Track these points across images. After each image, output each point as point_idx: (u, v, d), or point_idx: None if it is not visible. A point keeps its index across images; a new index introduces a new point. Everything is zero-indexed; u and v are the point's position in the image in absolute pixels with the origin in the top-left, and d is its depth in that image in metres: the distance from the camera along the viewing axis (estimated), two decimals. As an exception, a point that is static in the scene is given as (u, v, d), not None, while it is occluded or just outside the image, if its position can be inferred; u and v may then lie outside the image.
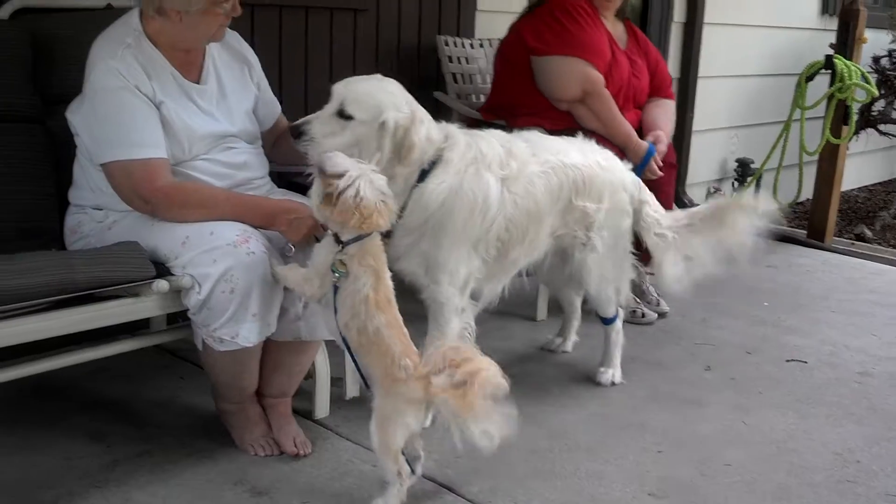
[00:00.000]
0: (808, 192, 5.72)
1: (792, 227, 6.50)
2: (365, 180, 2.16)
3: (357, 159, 2.27)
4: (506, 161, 2.75)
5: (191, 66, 2.50)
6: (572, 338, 3.51)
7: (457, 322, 2.74)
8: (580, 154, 2.98)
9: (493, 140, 2.79)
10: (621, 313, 3.28)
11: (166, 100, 2.39)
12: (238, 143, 2.57)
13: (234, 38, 2.65)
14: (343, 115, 2.55)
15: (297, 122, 2.57)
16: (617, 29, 3.89)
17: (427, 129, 2.62)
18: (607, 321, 3.24)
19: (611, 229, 3.06)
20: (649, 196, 3.19)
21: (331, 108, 2.56)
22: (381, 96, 2.57)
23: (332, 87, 2.59)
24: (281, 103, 2.85)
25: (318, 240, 2.41)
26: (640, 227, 3.16)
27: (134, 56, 2.36)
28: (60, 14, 2.85)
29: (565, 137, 3.11)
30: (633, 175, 3.16)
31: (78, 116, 2.42)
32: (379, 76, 2.66)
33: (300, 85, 3.81)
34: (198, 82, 2.51)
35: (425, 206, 2.61)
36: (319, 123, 2.55)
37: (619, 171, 3.09)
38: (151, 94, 2.36)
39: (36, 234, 2.54)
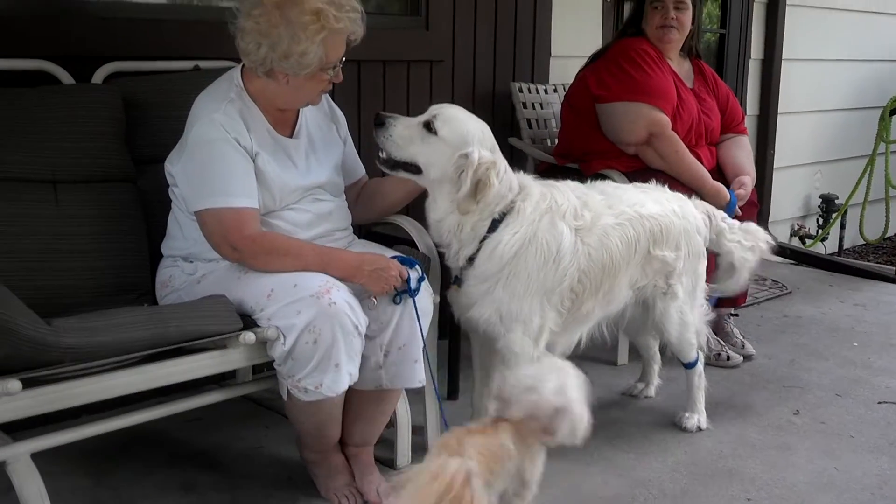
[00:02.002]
0: (895, 228, 5.57)
1: (880, 263, 6.33)
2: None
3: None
4: (580, 212, 2.74)
5: (285, 123, 2.60)
6: (655, 382, 3.47)
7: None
8: (656, 204, 2.97)
9: (567, 191, 2.79)
10: (702, 356, 3.23)
11: (262, 152, 2.48)
12: (324, 194, 2.65)
13: (324, 98, 2.73)
14: (430, 127, 2.59)
15: (385, 113, 2.63)
16: (683, 68, 3.90)
17: (507, 177, 2.65)
18: (689, 365, 3.20)
19: (689, 275, 3.04)
20: (725, 223, 3.16)
21: (421, 117, 2.62)
22: (473, 130, 2.61)
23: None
24: (360, 156, 2.91)
25: (396, 291, 2.46)
26: (723, 251, 3.16)
27: (237, 110, 2.47)
28: (150, 76, 2.98)
29: (640, 185, 3.11)
30: (703, 212, 3.13)
31: (177, 167, 2.52)
32: (477, 117, 2.70)
33: (378, 136, 3.89)
34: (290, 137, 2.61)
35: (500, 256, 2.62)
36: (403, 125, 2.60)
37: (693, 216, 3.07)
38: (250, 146, 2.46)
39: (129, 289, 2.63)
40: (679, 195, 3.13)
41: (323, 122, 2.73)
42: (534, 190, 2.71)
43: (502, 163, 2.65)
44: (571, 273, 2.70)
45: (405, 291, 2.48)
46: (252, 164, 2.46)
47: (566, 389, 2.13)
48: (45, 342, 1.96)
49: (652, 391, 3.45)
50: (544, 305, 2.69)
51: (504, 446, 2.10)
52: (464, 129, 2.60)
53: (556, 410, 2.09)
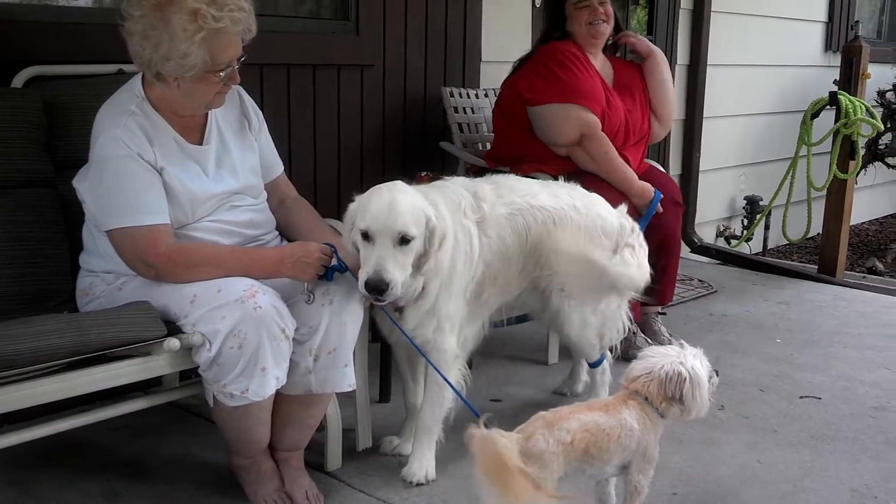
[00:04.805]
0: (817, 228, 5.73)
1: (803, 262, 6.51)
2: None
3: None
4: (476, 205, 2.78)
5: (192, 129, 2.54)
6: (582, 378, 3.48)
7: (455, 370, 2.77)
8: (551, 197, 2.98)
9: (457, 187, 2.81)
10: (608, 354, 3.25)
11: (168, 166, 2.43)
12: (242, 199, 2.61)
13: (234, 95, 2.67)
14: (405, 240, 2.48)
15: (373, 278, 2.42)
16: (606, 67, 3.97)
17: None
18: (593, 365, 3.22)
19: None
20: (637, 242, 3.20)
21: (389, 243, 2.46)
22: (420, 203, 2.54)
23: (370, 220, 2.46)
24: (290, 160, 2.88)
25: (326, 269, 2.44)
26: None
27: (137, 123, 2.41)
28: (72, 80, 2.93)
29: (541, 181, 3.14)
30: (620, 221, 3.13)
31: (85, 184, 2.48)
32: (389, 186, 2.56)
33: (309, 141, 3.87)
34: (200, 144, 2.55)
35: (439, 271, 2.63)
36: (394, 265, 2.44)
37: (600, 217, 3.05)
38: (153, 160, 2.41)
39: (49, 296, 2.59)
40: (592, 194, 3.14)
41: (235, 122, 2.66)
42: (439, 197, 2.68)
43: (436, 202, 2.61)
44: (480, 266, 2.75)
45: (334, 268, 2.48)
46: (159, 178, 2.41)
47: (687, 358, 2.34)
48: (-40, 351, 1.92)
49: (579, 388, 3.47)
50: (462, 300, 2.74)
51: (624, 424, 2.28)
52: (420, 209, 2.52)
53: (681, 377, 2.30)
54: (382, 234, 2.46)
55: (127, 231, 2.36)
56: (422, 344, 2.71)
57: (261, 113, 2.77)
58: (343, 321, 2.49)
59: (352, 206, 2.56)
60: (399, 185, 2.58)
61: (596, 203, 3.10)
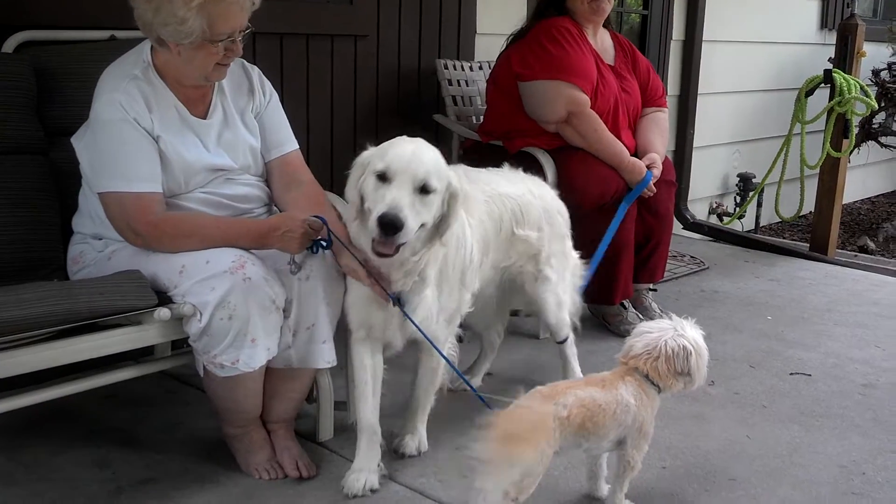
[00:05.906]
0: (809, 206, 5.74)
1: (794, 240, 6.52)
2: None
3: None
4: None
5: (197, 101, 2.53)
6: (483, 369, 3.36)
7: (445, 349, 2.67)
8: (510, 184, 2.92)
9: None
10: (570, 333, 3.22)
11: (164, 134, 2.42)
12: (240, 175, 2.60)
13: (244, 71, 2.66)
14: (426, 190, 2.27)
15: (389, 214, 2.18)
16: (604, 43, 3.93)
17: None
18: (561, 341, 3.18)
19: (557, 256, 3.03)
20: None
21: (408, 186, 2.24)
22: (442, 161, 2.36)
23: (390, 160, 2.25)
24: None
25: (313, 242, 2.41)
26: None
27: (139, 88, 2.40)
28: (64, 46, 2.90)
29: (491, 170, 3.02)
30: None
31: (81, 143, 2.47)
32: (414, 138, 2.39)
33: (302, 111, 3.85)
34: (203, 118, 2.53)
35: (440, 257, 2.49)
36: (411, 209, 2.22)
37: (551, 198, 3.06)
38: (150, 127, 2.40)
39: (40, 264, 2.58)
40: (535, 177, 3.09)
41: (243, 101, 2.64)
42: None
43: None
44: (475, 252, 2.64)
45: (321, 241, 2.43)
46: (155, 145, 2.41)
47: (686, 330, 2.33)
48: (-51, 317, 1.91)
49: (478, 381, 3.30)
50: (462, 291, 2.64)
51: (621, 400, 2.28)
52: (444, 165, 2.34)
53: (687, 350, 2.29)
54: (402, 176, 2.23)
55: (117, 196, 2.36)
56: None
57: (270, 89, 2.72)
58: (318, 297, 2.45)
59: (366, 153, 2.35)
60: (423, 140, 2.40)
61: (542, 185, 3.09)
